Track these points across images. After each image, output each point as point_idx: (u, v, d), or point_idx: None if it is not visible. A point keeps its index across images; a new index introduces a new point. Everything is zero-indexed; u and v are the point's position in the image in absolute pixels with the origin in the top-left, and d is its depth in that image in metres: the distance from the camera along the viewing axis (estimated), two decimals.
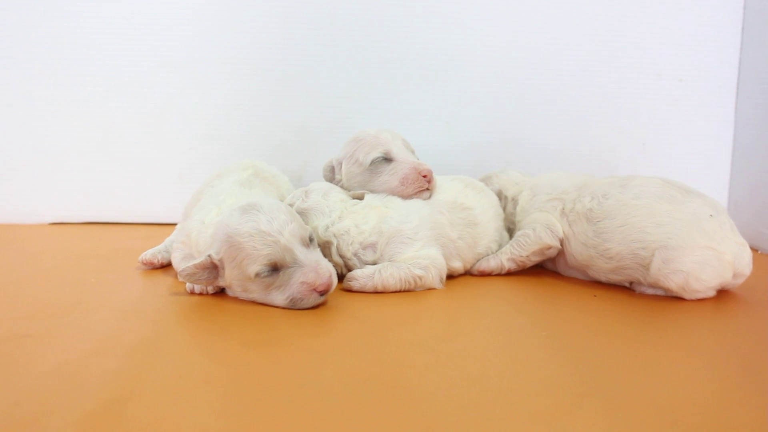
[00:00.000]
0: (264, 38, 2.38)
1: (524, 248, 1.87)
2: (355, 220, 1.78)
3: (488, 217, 1.93)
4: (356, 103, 2.40)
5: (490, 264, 1.90)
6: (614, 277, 1.76)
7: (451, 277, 1.85)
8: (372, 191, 1.88)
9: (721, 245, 1.64)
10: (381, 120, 2.38)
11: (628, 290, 1.76)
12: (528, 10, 2.37)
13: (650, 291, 1.72)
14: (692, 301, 1.65)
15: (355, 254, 1.76)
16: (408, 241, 1.75)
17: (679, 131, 2.44)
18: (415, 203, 1.83)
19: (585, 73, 2.40)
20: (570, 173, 1.99)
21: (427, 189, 1.86)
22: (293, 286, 1.52)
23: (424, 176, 1.84)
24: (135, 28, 2.35)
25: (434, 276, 1.72)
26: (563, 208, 1.85)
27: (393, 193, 1.85)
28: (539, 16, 2.38)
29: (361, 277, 1.69)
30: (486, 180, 2.15)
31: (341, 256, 1.77)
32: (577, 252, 1.80)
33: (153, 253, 1.89)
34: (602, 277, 1.79)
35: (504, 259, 1.89)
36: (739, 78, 2.40)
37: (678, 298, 1.67)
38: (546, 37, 2.38)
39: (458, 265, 1.84)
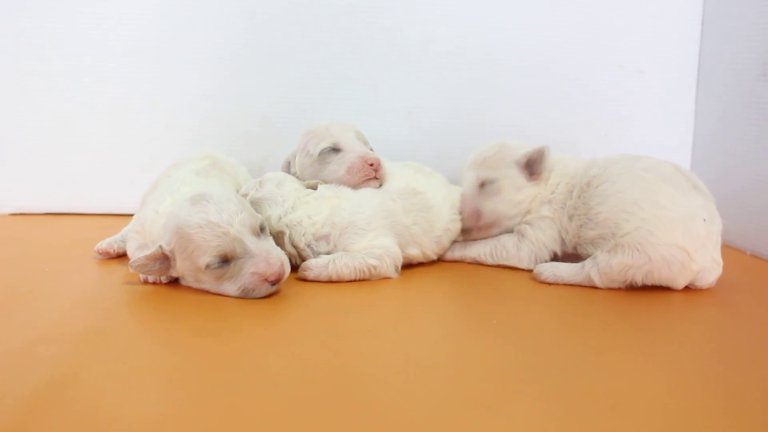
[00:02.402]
0: (227, 29, 2.36)
1: (495, 260, 1.89)
2: (308, 211, 1.77)
3: (440, 198, 1.91)
4: (319, 94, 2.40)
5: (455, 255, 1.93)
6: (591, 250, 1.72)
7: (410, 265, 1.86)
8: (323, 182, 1.88)
9: (696, 253, 1.60)
10: (343, 111, 2.38)
11: None
12: (490, 1, 2.38)
13: (551, 276, 1.72)
14: (644, 291, 1.65)
15: (308, 245, 1.76)
16: (361, 231, 1.75)
17: (641, 122, 2.46)
18: (367, 193, 1.83)
19: (547, 65, 2.41)
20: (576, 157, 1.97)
21: (375, 178, 1.86)
22: (244, 276, 1.51)
23: (371, 165, 1.85)
24: (97, 17, 2.33)
25: (389, 265, 1.73)
26: (569, 204, 1.81)
27: (341, 182, 1.86)
28: (501, 7, 2.38)
29: (315, 266, 1.69)
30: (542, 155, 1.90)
31: (294, 247, 1.77)
32: (571, 229, 1.78)
33: (109, 242, 1.88)
34: (582, 252, 1.76)
35: (472, 255, 1.92)
36: (700, 70, 2.42)
37: (632, 289, 1.66)
38: (508, 28, 2.39)
39: (416, 252, 1.84)
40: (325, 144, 1.89)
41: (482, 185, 1.91)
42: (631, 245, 1.62)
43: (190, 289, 1.60)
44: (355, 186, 1.85)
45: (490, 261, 1.89)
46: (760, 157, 2.07)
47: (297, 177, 1.95)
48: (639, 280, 1.64)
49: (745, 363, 1.26)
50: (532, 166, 1.89)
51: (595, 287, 1.68)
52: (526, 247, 1.85)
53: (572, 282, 1.70)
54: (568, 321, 1.49)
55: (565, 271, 1.71)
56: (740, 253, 2.08)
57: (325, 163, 1.89)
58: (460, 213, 1.93)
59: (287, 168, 2.00)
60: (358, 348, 1.28)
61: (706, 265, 1.63)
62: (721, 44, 2.30)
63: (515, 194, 1.89)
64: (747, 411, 1.06)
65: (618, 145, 2.44)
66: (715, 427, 1.00)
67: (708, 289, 1.68)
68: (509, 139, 2.01)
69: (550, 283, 1.72)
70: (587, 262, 1.69)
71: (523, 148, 1.92)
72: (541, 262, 1.82)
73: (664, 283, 1.63)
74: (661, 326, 1.44)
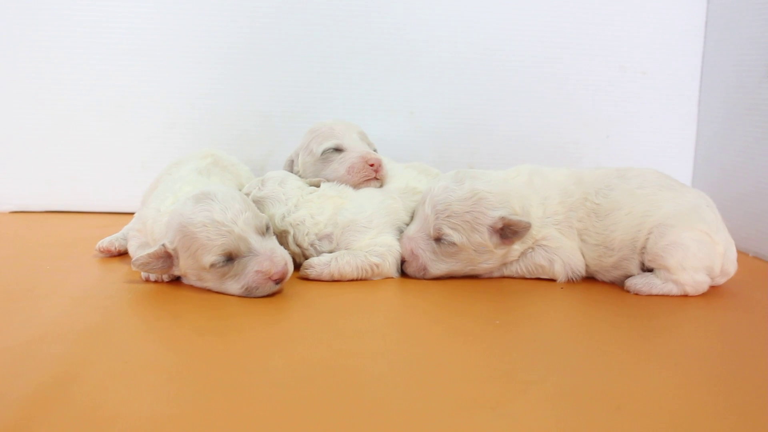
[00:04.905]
0: (228, 27, 2.36)
1: (532, 275, 1.78)
2: (311, 210, 1.77)
3: None
4: (320, 93, 2.39)
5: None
6: (615, 273, 1.72)
7: None
8: (326, 180, 1.89)
9: (716, 235, 1.64)
10: (345, 110, 2.37)
11: (597, 283, 1.75)
12: (492, 2, 2.37)
13: (641, 284, 1.65)
14: (655, 296, 1.64)
15: (312, 245, 1.76)
16: (363, 229, 1.75)
17: (643, 124, 2.45)
18: (368, 192, 1.84)
19: (549, 65, 2.40)
20: (549, 168, 1.90)
21: (375, 178, 1.87)
22: (248, 275, 1.51)
23: (371, 165, 1.86)
24: (97, 15, 2.32)
25: (391, 264, 1.72)
26: (578, 226, 1.75)
27: (341, 181, 1.87)
28: (503, 8, 2.38)
29: (317, 264, 1.69)
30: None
31: (298, 246, 1.77)
32: (589, 258, 1.75)
33: (110, 240, 1.87)
34: (606, 276, 1.74)
35: (506, 272, 1.79)
36: (702, 72, 2.42)
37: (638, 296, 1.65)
38: (510, 28, 2.38)
39: None
40: (329, 144, 1.90)
41: (438, 239, 1.70)
42: (658, 245, 1.63)
43: (191, 287, 1.60)
44: (356, 186, 1.86)
45: (527, 276, 1.79)
46: (762, 160, 2.07)
47: (300, 175, 1.95)
48: (698, 266, 1.62)
49: (750, 364, 1.26)
50: (507, 234, 1.69)
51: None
52: (558, 263, 1.74)
53: (662, 293, 1.65)
54: (573, 322, 1.49)
55: (655, 278, 1.65)
56: (743, 255, 2.07)
57: (328, 162, 1.90)
58: (402, 255, 1.75)
59: (290, 166, 2.00)
60: (360, 348, 1.27)
61: (726, 244, 1.66)
62: (724, 46, 2.30)
63: (476, 257, 1.71)
64: (751, 412, 1.06)
65: (619, 147, 2.45)
66: (719, 428, 1.00)
67: (712, 291, 1.68)
68: (488, 183, 1.71)
69: (643, 295, 1.65)
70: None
71: (502, 203, 1.69)
72: (576, 276, 1.75)
73: (709, 263, 1.63)
74: (665, 328, 1.44)
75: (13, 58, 2.34)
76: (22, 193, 2.41)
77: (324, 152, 1.90)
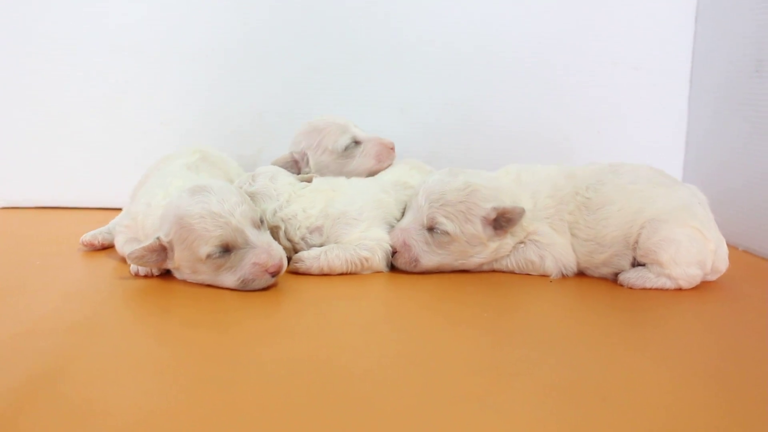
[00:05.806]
0: (219, 24, 2.36)
1: (522, 271, 1.77)
2: (303, 204, 1.78)
3: None
4: (312, 90, 2.39)
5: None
6: (605, 270, 1.73)
7: None
8: (347, 175, 1.95)
9: (707, 233, 1.65)
10: (336, 107, 2.37)
11: (587, 276, 1.75)
12: None
13: (634, 277, 1.66)
14: (644, 289, 1.64)
15: (303, 238, 1.76)
16: (353, 221, 1.75)
17: (634, 119, 2.45)
18: (363, 184, 1.86)
19: (541, 61, 2.40)
20: (539, 165, 1.91)
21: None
22: (245, 267, 1.51)
23: (391, 148, 1.99)
24: (90, 12, 2.33)
25: (381, 258, 1.72)
26: (568, 219, 1.75)
27: (371, 170, 1.99)
28: (495, 3, 2.38)
29: (307, 258, 1.69)
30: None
31: (289, 240, 1.77)
32: (580, 254, 1.74)
33: (93, 234, 1.88)
34: (595, 272, 1.75)
35: (496, 267, 1.79)
36: (693, 67, 2.42)
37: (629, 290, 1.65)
38: (501, 24, 2.38)
39: None
40: (346, 139, 1.99)
41: (431, 229, 1.71)
42: (651, 240, 1.63)
43: (182, 282, 1.60)
44: (381, 170, 1.99)
45: (516, 272, 1.78)
46: (753, 155, 2.07)
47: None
48: (690, 261, 1.63)
49: (740, 357, 1.26)
50: (501, 224, 1.71)
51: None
52: (549, 259, 1.74)
53: (655, 287, 1.65)
54: (562, 314, 1.49)
55: (648, 273, 1.66)
56: (733, 249, 2.07)
57: (351, 156, 2.00)
58: (393, 247, 1.73)
59: (294, 167, 2.01)
60: (348, 341, 1.27)
61: (717, 242, 1.68)
62: (714, 41, 2.30)
63: (468, 248, 1.72)
64: (738, 405, 1.06)
65: (611, 143, 2.45)
66: (706, 420, 1.00)
67: (702, 285, 1.68)
68: (481, 177, 1.75)
69: (637, 288, 1.65)
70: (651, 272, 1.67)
71: (494, 197, 1.71)
72: (568, 273, 1.76)
73: (701, 257, 1.64)
74: (653, 320, 1.44)
75: (5, 55, 2.33)
76: (14, 189, 2.41)
77: (346, 147, 1.98)
